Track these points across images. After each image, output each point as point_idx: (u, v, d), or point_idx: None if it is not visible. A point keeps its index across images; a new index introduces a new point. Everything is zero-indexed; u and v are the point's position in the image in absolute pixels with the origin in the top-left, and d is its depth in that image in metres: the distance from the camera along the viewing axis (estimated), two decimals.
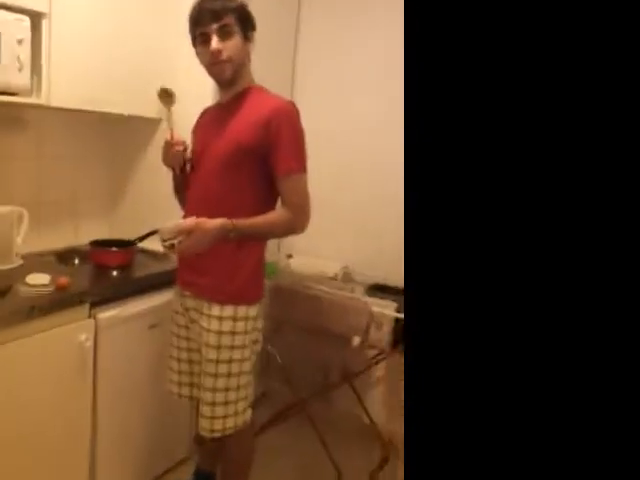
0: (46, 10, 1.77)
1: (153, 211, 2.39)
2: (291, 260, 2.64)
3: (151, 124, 2.34)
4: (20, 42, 1.70)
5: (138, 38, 2.14)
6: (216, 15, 1.57)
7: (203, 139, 1.74)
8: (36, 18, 1.76)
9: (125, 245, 2.12)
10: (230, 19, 1.59)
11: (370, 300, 2.17)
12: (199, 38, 1.63)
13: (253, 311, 1.72)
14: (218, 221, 1.53)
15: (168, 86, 1.75)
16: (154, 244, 2.23)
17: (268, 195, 1.69)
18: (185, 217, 1.76)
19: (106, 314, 1.84)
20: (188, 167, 1.75)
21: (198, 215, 1.65)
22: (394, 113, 2.34)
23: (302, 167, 1.64)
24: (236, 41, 1.62)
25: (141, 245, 2.20)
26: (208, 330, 1.68)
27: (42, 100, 1.82)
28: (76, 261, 2.20)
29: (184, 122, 2.26)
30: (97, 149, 2.49)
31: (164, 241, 1.51)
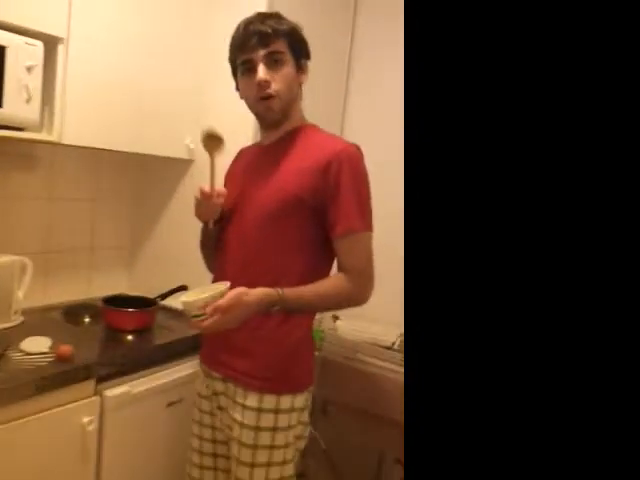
0: (64, 35, 1.54)
1: (178, 265, 2.11)
2: (338, 323, 2.29)
3: (180, 166, 2.08)
4: (30, 69, 1.45)
5: (168, 69, 1.90)
6: (265, 39, 1.30)
7: (241, 187, 1.44)
8: (51, 43, 1.52)
9: (144, 304, 1.82)
10: (281, 44, 1.32)
11: None
12: (242, 67, 1.35)
13: (300, 401, 1.38)
14: (261, 291, 1.23)
15: (214, 128, 1.41)
16: (179, 302, 1.97)
17: (322, 257, 1.38)
18: (215, 279, 1.47)
19: (115, 391, 1.53)
20: (224, 221, 1.44)
21: (233, 280, 1.36)
22: None
23: (366, 225, 1.33)
24: (287, 71, 1.34)
25: (163, 302, 1.91)
26: (242, 424, 1.36)
27: (53, 137, 1.57)
28: (86, 319, 1.90)
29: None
30: (117, 192, 2.23)
31: (192, 316, 1.21)
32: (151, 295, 2.03)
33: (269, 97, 1.32)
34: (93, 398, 1.49)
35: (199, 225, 2.04)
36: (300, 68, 1.38)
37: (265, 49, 1.30)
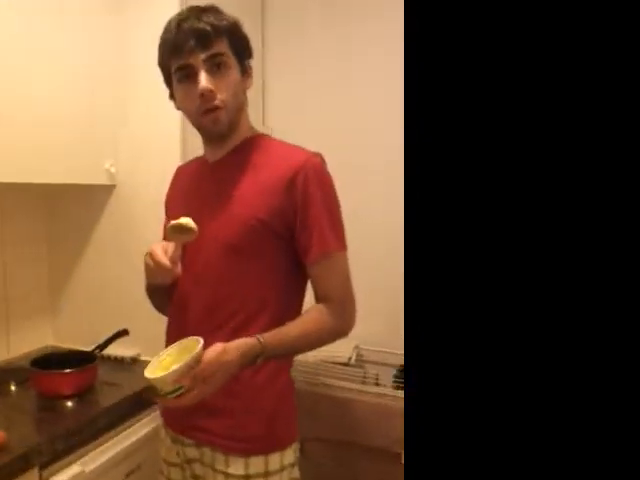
0: None
1: (111, 305, 1.84)
2: None
3: (100, 193, 1.81)
4: None
5: (77, 86, 1.62)
6: (204, 39, 1.08)
7: (189, 214, 1.15)
8: None
9: (81, 360, 1.54)
10: (223, 45, 1.11)
11: None
12: (178, 73, 1.12)
13: (289, 456, 1.17)
14: (241, 345, 1.01)
15: (186, 220, 1.06)
16: (120, 346, 1.70)
17: (294, 287, 1.19)
18: (171, 328, 1.23)
19: (64, 475, 1.26)
20: (179, 268, 1.13)
21: (195, 327, 1.13)
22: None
23: (341, 244, 1.14)
24: (232, 77, 1.13)
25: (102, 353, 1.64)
26: None
27: None
28: (12, 388, 1.57)
29: (143, 191, 1.77)
30: (29, 231, 1.91)
31: (165, 394, 0.96)
32: (84, 345, 1.75)
33: (215, 109, 1.10)
34: None
35: (132, 257, 1.79)
36: (245, 71, 1.17)
37: (205, 52, 1.08)
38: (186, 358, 0.95)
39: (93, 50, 1.67)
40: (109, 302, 1.84)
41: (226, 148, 1.19)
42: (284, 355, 1.13)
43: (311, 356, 1.97)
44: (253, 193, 1.12)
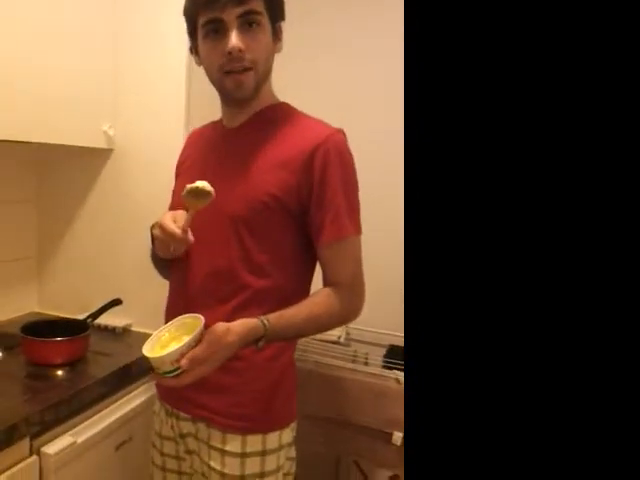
0: None
1: (103, 273, 1.80)
2: None
3: (97, 157, 1.75)
4: None
5: (77, 46, 1.55)
6: None
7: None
8: None
9: (73, 329, 1.50)
10: (259, 3, 1.04)
11: None
12: (206, 27, 1.05)
13: (287, 436, 1.16)
14: (245, 326, 0.98)
15: (203, 184, 1.00)
16: (112, 316, 1.66)
17: (304, 266, 1.16)
18: (172, 299, 1.20)
19: (56, 446, 1.23)
20: (191, 236, 1.08)
21: (197, 302, 1.11)
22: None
23: (356, 227, 1.11)
24: (265, 37, 1.07)
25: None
26: (222, 474, 1.11)
27: None
28: None
29: (142, 156, 1.71)
30: (20, 192, 1.84)
31: (163, 373, 0.93)
32: (70, 314, 1.72)
33: (242, 71, 1.05)
34: (30, 460, 1.18)
35: (127, 225, 1.74)
36: (276, 34, 1.11)
37: (241, 7, 1.01)
38: (186, 338, 0.92)
39: (94, 8, 1.60)
40: (100, 270, 1.80)
41: (246, 114, 1.14)
42: (288, 338, 1.11)
43: None
44: (269, 167, 1.07)
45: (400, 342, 1.98)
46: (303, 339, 1.89)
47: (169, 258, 1.14)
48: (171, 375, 0.92)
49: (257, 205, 1.06)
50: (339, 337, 2.02)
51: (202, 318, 0.95)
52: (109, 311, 1.63)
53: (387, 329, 2.05)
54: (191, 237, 1.05)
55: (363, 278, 1.13)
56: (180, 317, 1.01)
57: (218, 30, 1.03)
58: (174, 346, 0.92)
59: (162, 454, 1.25)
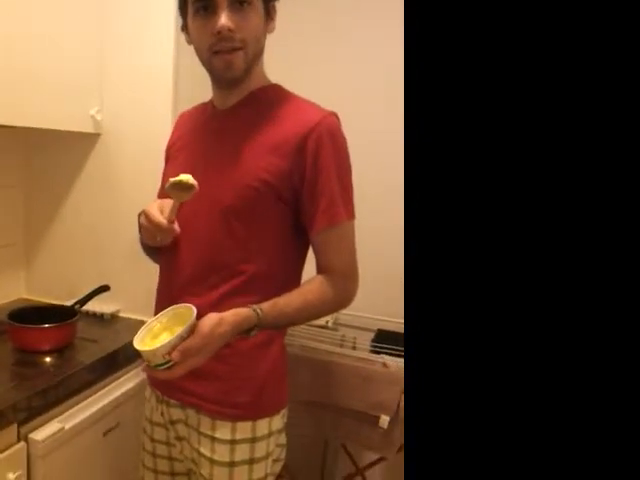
0: None
1: (89, 259, 1.79)
2: None
3: (84, 142, 1.74)
4: None
5: (61, 26, 1.53)
6: None
7: (190, 166, 1.10)
8: None
9: (60, 315, 1.50)
10: None
11: (396, 361, 1.66)
12: (195, 5, 1.03)
13: (277, 422, 1.17)
14: (238, 316, 0.98)
15: (186, 177, 1.00)
16: (99, 302, 1.66)
17: (296, 253, 1.15)
18: (162, 286, 1.20)
19: (43, 432, 1.23)
20: (177, 227, 1.08)
21: (186, 289, 1.10)
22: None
23: (349, 213, 1.09)
24: (256, 17, 1.04)
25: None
26: (212, 461, 1.12)
27: None
28: None
29: (130, 141, 1.70)
30: (8, 177, 1.82)
31: (154, 365, 0.92)
32: (58, 300, 1.71)
33: (232, 50, 1.02)
34: (17, 446, 1.19)
35: (115, 211, 1.74)
36: (268, 13, 1.08)
37: None
38: (179, 329, 0.92)
39: None
40: (87, 256, 1.79)
41: (237, 96, 1.12)
42: (281, 327, 1.12)
43: None
44: (260, 151, 1.06)
45: (388, 327, 2.00)
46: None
47: (156, 246, 1.13)
48: (163, 367, 0.91)
49: (247, 191, 1.05)
50: (327, 322, 2.03)
51: (194, 309, 0.94)
52: (97, 297, 1.63)
53: (375, 314, 2.06)
54: (177, 228, 1.05)
55: (357, 264, 1.12)
56: (172, 307, 1.00)
57: (208, 8, 1.01)
58: (166, 337, 0.93)
59: (152, 440, 1.25)
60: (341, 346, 1.97)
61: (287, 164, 1.04)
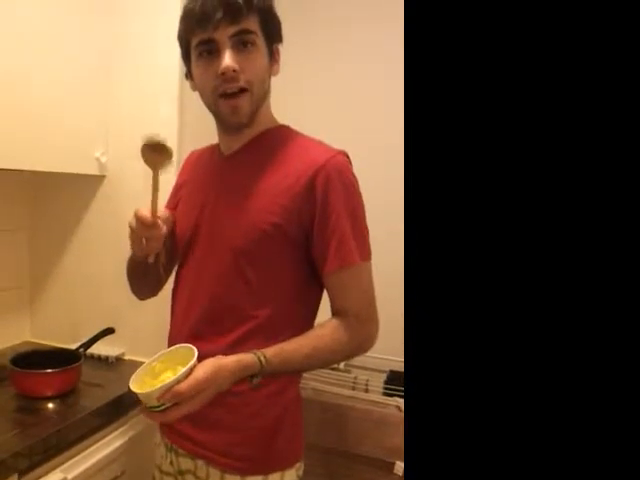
0: None
1: (95, 302, 1.76)
2: None
3: (89, 184, 1.73)
4: None
5: (67, 67, 1.54)
6: (234, 13, 0.96)
7: (198, 209, 1.10)
8: None
9: (64, 359, 1.46)
10: (253, 22, 1.00)
11: None
12: (199, 48, 1.01)
13: (291, 476, 1.10)
14: (239, 363, 0.94)
15: (156, 136, 0.98)
16: (104, 345, 1.63)
17: (309, 295, 1.10)
18: (174, 331, 1.16)
19: None
20: (163, 257, 1.09)
21: (194, 334, 1.07)
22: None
23: (365, 254, 1.04)
24: (261, 57, 1.02)
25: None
26: None
27: None
28: None
29: (134, 183, 1.69)
30: (11, 221, 1.81)
31: (150, 407, 0.89)
32: (63, 343, 1.68)
33: (237, 93, 1.00)
34: None
35: (119, 252, 1.71)
36: (272, 55, 1.06)
37: (234, 27, 0.97)
38: (176, 374, 0.87)
39: (85, 34, 1.59)
40: (92, 298, 1.76)
41: (243, 139, 1.09)
42: (288, 373, 1.05)
43: None
44: (268, 194, 1.02)
45: (400, 367, 1.94)
46: None
47: (143, 260, 1.07)
48: (157, 410, 0.88)
49: (257, 235, 1.01)
50: (338, 363, 1.98)
51: (195, 351, 0.91)
52: (102, 340, 1.60)
53: (387, 354, 2.00)
54: (162, 225, 1.00)
55: (374, 307, 1.06)
56: (174, 346, 0.97)
57: (211, 51, 0.99)
58: (166, 377, 0.89)
59: None
60: (353, 389, 1.92)
61: (296, 205, 1.00)
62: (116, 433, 1.42)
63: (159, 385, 0.86)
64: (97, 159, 1.66)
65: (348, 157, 1.06)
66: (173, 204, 1.22)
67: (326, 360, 1.06)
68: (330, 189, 1.00)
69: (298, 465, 1.12)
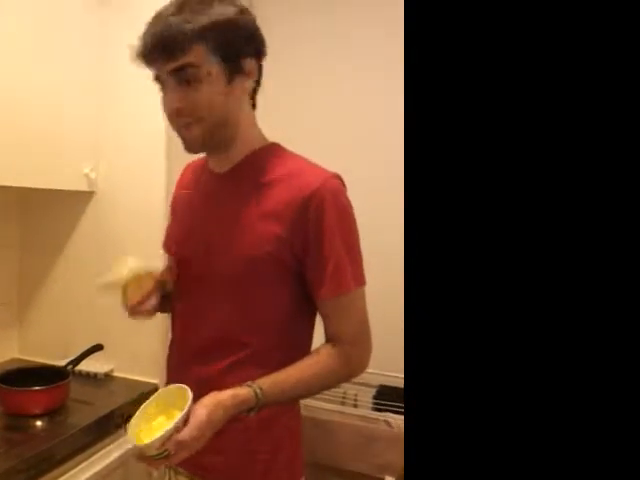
0: None
1: (84, 316, 1.76)
2: None
3: (78, 200, 1.73)
4: None
5: (56, 83, 1.54)
6: (169, 49, 0.91)
7: (188, 232, 1.09)
8: None
9: (52, 376, 1.45)
10: (196, 53, 0.92)
11: (400, 419, 1.61)
12: (155, 80, 0.98)
13: None
14: (235, 399, 0.91)
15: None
16: (93, 361, 1.62)
17: (302, 322, 1.08)
18: (171, 361, 1.15)
19: None
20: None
21: (187, 363, 1.07)
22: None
23: (358, 280, 1.01)
24: (209, 89, 0.95)
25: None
26: None
27: None
28: None
29: (124, 199, 1.69)
30: (2, 236, 1.81)
31: (151, 456, 0.86)
32: (52, 359, 1.67)
33: (186, 125, 0.97)
34: None
35: (107, 268, 1.70)
36: (233, 75, 0.97)
37: (172, 63, 0.92)
38: (175, 414, 0.86)
39: (73, 50, 1.60)
40: (81, 315, 1.76)
41: (231, 161, 1.05)
42: (284, 403, 1.03)
43: None
44: (258, 219, 0.99)
45: (390, 382, 1.95)
46: None
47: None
48: (158, 457, 0.86)
49: (249, 263, 0.99)
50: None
51: (189, 394, 0.88)
52: (91, 357, 1.59)
53: (376, 369, 2.00)
54: (147, 306, 1.07)
55: (368, 332, 1.04)
56: (166, 387, 0.96)
57: (161, 86, 0.97)
58: (161, 423, 0.88)
59: None
60: (342, 404, 1.92)
61: (288, 232, 0.97)
62: (105, 450, 1.41)
63: (159, 435, 0.84)
64: (86, 175, 1.66)
65: (341, 180, 1.03)
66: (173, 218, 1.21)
67: (321, 387, 1.04)
68: (324, 214, 0.96)
69: None
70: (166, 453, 0.85)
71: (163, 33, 0.90)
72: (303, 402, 1.78)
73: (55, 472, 1.26)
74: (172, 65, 0.92)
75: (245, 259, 0.99)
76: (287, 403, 1.05)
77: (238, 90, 0.99)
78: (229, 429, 0.96)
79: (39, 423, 1.37)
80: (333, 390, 1.96)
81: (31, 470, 1.19)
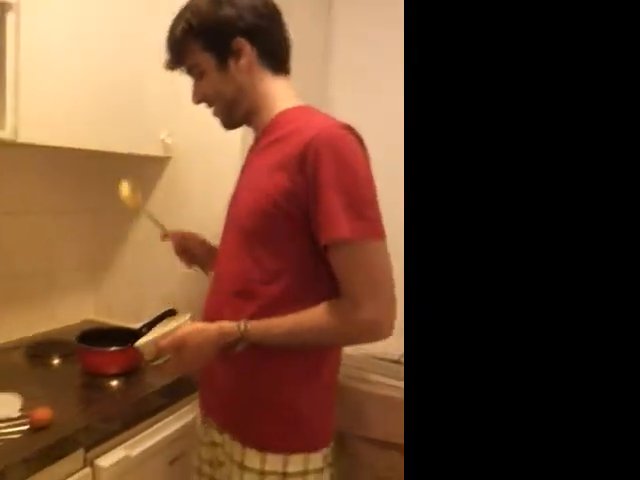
0: None
1: (158, 283, 1.77)
2: None
3: (154, 165, 1.74)
4: None
5: (139, 53, 1.54)
6: (177, 54, 1.14)
7: (234, 196, 1.20)
8: None
9: (128, 338, 1.46)
10: (195, 50, 1.10)
11: None
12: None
13: (316, 461, 1.07)
14: (220, 327, 1.03)
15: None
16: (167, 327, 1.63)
17: (314, 274, 1.04)
18: (208, 299, 1.21)
19: (109, 458, 1.20)
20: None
21: (216, 309, 1.12)
22: None
23: (362, 231, 0.95)
24: (209, 80, 1.12)
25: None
26: None
27: (5, 133, 1.19)
28: (55, 361, 1.51)
29: (199, 165, 1.69)
30: (78, 202, 1.84)
31: (149, 361, 1.08)
32: (125, 321, 1.69)
33: (211, 107, 1.17)
34: (83, 472, 1.15)
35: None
36: (225, 59, 1.09)
37: (184, 65, 1.15)
38: (164, 329, 1.07)
39: (154, 21, 1.59)
40: (155, 279, 1.77)
41: (260, 127, 1.14)
42: (273, 345, 1.02)
43: (358, 350, 1.89)
44: (267, 171, 1.03)
45: None
46: (357, 357, 1.82)
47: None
48: (155, 364, 1.06)
49: (260, 214, 1.02)
50: (400, 356, 1.93)
51: (188, 315, 1.15)
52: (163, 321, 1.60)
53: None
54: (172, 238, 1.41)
55: (384, 292, 0.97)
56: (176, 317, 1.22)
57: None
58: (152, 336, 1.08)
59: (199, 458, 1.23)
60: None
61: (291, 181, 0.97)
62: (179, 413, 1.42)
63: (147, 339, 1.06)
64: (162, 140, 1.66)
65: (351, 129, 1.00)
66: None
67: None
68: (319, 163, 0.95)
69: (325, 451, 1.09)
70: (160, 360, 1.04)
71: (170, 43, 1.12)
72: (376, 379, 1.77)
73: (129, 432, 1.28)
74: (185, 65, 1.14)
75: (257, 211, 1.03)
76: (276, 346, 1.03)
77: (234, 71, 1.09)
78: (252, 381, 1.06)
79: (115, 383, 1.39)
80: (395, 367, 1.91)
81: (107, 428, 1.21)
